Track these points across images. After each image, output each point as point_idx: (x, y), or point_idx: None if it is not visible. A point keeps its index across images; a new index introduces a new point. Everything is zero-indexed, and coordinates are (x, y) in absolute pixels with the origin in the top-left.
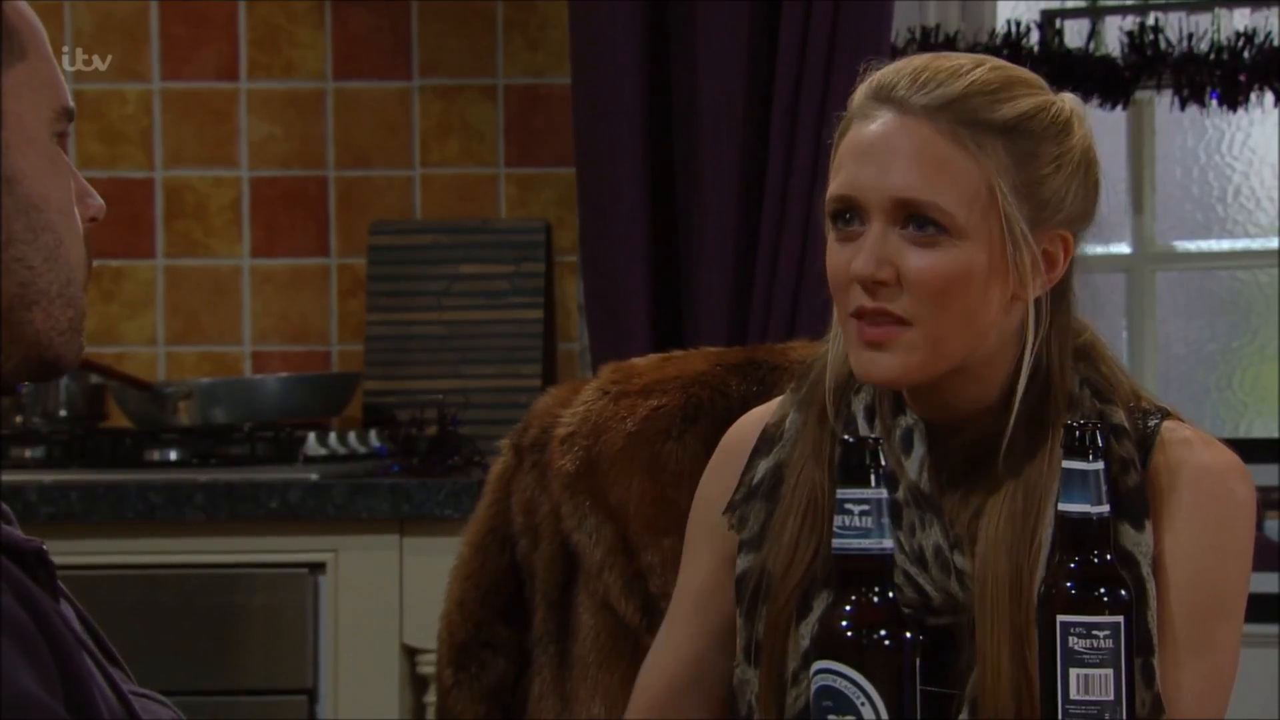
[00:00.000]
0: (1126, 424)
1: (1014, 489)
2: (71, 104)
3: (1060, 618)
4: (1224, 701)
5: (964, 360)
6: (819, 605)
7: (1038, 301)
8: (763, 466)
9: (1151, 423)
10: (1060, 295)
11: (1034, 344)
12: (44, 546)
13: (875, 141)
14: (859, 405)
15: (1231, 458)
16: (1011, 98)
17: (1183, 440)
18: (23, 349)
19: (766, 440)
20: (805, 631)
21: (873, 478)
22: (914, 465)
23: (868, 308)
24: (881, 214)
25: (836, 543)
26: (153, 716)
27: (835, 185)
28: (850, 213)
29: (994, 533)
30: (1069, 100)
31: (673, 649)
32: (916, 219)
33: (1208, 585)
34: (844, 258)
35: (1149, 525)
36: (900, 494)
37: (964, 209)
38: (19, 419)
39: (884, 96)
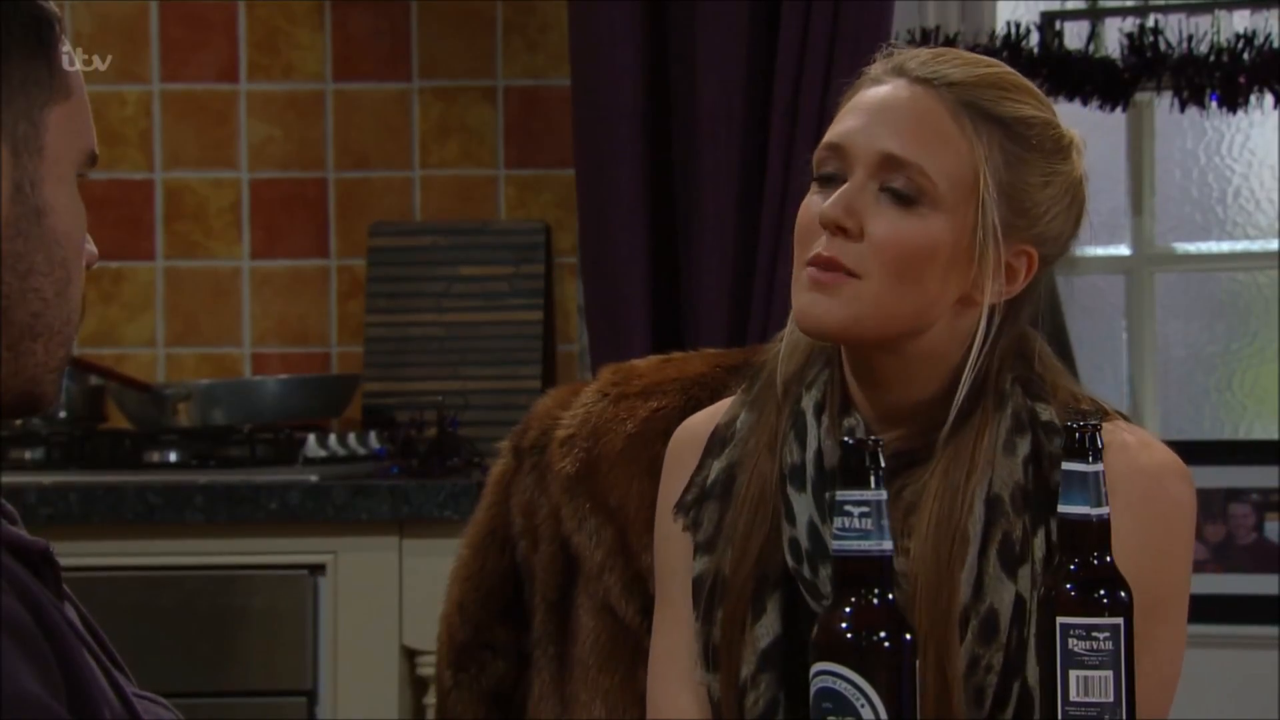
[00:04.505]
0: (1057, 421)
1: (942, 488)
2: (96, 149)
3: (1060, 619)
4: (1166, 702)
5: (905, 342)
6: (773, 605)
7: (992, 310)
8: (715, 467)
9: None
10: (1014, 312)
11: (981, 351)
12: (50, 547)
13: (877, 101)
14: (809, 401)
15: (1170, 458)
16: (1019, 101)
17: (1120, 443)
18: (20, 383)
19: (719, 441)
20: (761, 633)
21: (872, 479)
22: None
23: (823, 255)
24: (865, 167)
25: (836, 544)
26: (154, 718)
27: (828, 135)
28: (835, 165)
29: (924, 530)
30: (1075, 133)
31: (676, 658)
32: (897, 180)
33: (1147, 586)
34: (816, 201)
35: None
36: None
37: (946, 182)
38: (19, 420)
39: (898, 69)
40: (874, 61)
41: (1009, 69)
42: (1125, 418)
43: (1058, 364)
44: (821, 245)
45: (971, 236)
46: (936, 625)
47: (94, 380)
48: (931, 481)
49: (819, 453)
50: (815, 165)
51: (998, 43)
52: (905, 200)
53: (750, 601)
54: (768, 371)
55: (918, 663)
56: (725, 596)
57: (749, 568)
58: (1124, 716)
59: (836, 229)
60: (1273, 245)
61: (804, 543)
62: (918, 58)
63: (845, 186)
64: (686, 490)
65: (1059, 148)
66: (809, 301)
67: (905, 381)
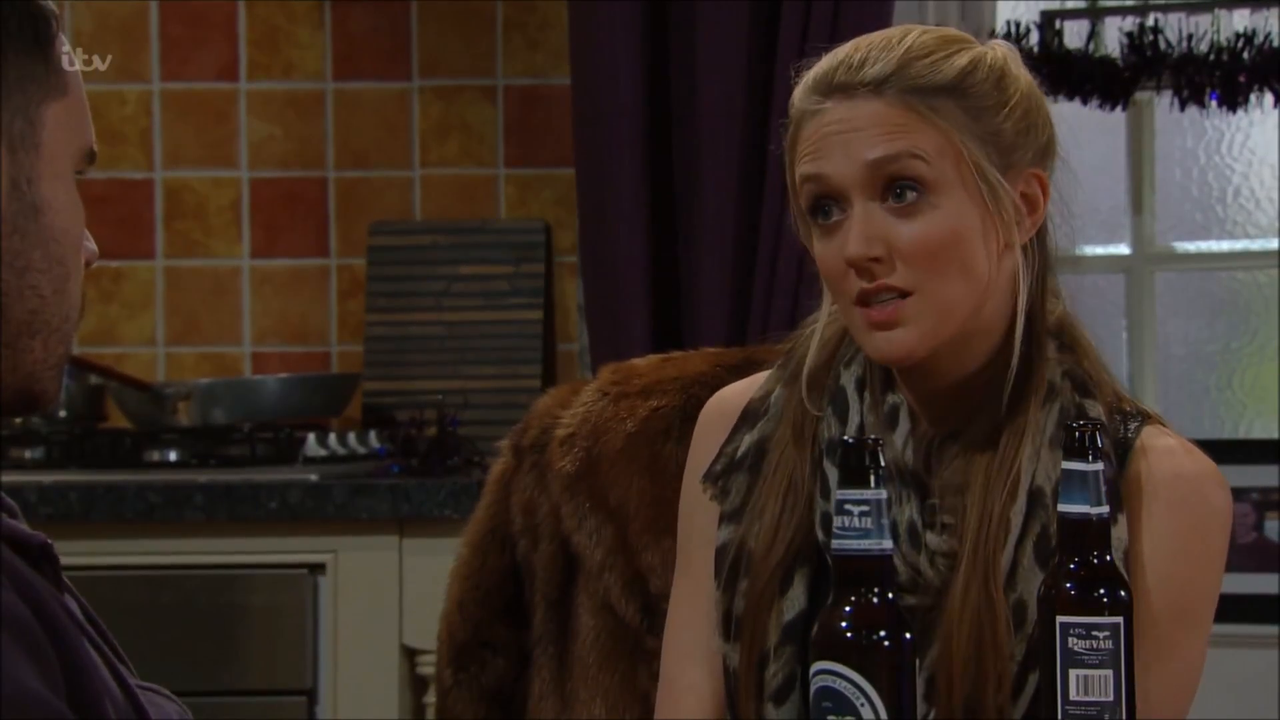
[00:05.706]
0: (1105, 420)
1: (989, 473)
2: (95, 146)
3: (1060, 618)
4: (1185, 707)
5: (969, 321)
6: (801, 579)
7: (1025, 247)
8: (747, 440)
9: (1132, 425)
10: (1040, 233)
11: (1029, 285)
12: (49, 541)
13: (832, 128)
14: (849, 378)
15: (1209, 465)
16: (948, 56)
17: (1163, 447)
18: (18, 379)
19: (751, 415)
20: (787, 606)
21: (872, 478)
22: (899, 440)
23: (869, 288)
24: (860, 190)
25: (836, 544)
26: (158, 710)
27: (804, 171)
28: (828, 201)
29: (968, 512)
30: (1000, 46)
31: (694, 629)
32: (895, 187)
33: (1177, 590)
34: (834, 248)
35: (1122, 520)
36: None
37: (936, 161)
38: (19, 419)
39: (825, 89)
40: (796, 86)
41: (917, 28)
42: (1163, 422)
43: (1102, 360)
44: (861, 281)
45: (983, 200)
46: (976, 606)
47: (94, 379)
48: (979, 461)
49: (861, 428)
50: (806, 205)
51: None
52: (913, 197)
53: (780, 578)
54: (801, 351)
55: (955, 645)
56: (751, 570)
57: (781, 551)
58: (1124, 715)
59: (869, 262)
60: (1273, 244)
61: None
62: (839, 70)
63: (852, 221)
64: (715, 460)
65: (999, 75)
66: (881, 340)
67: (961, 360)
